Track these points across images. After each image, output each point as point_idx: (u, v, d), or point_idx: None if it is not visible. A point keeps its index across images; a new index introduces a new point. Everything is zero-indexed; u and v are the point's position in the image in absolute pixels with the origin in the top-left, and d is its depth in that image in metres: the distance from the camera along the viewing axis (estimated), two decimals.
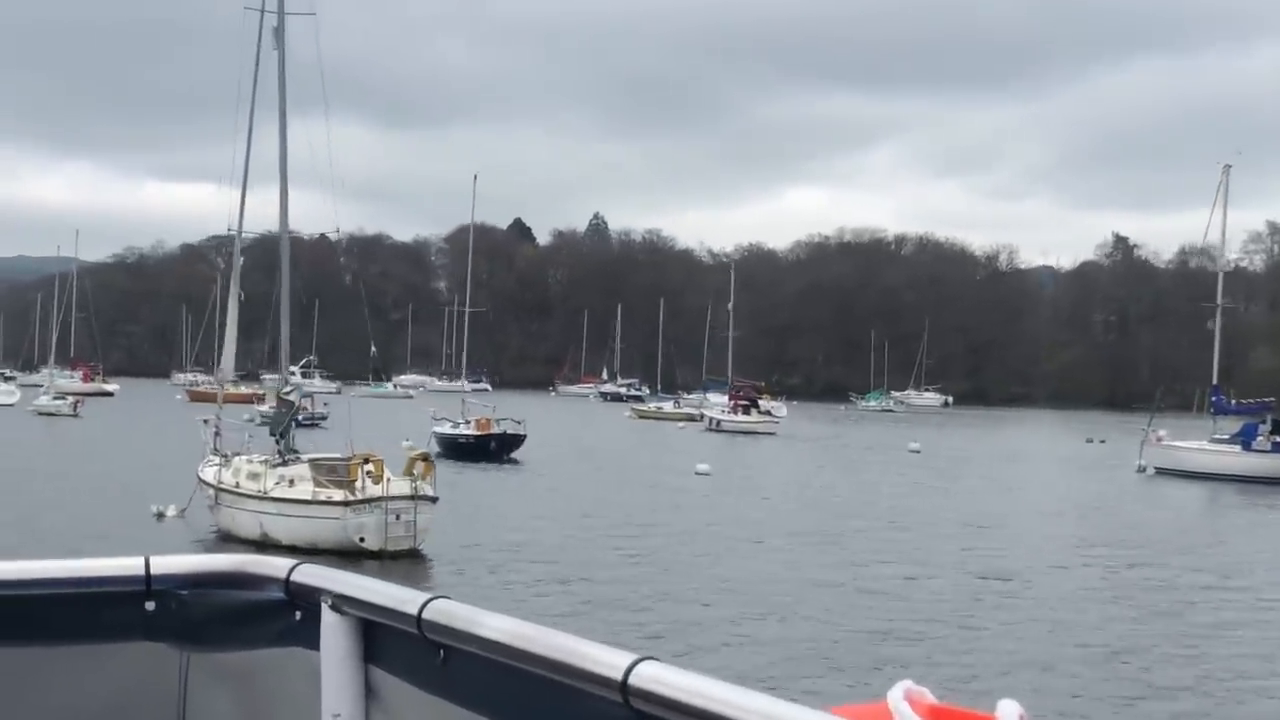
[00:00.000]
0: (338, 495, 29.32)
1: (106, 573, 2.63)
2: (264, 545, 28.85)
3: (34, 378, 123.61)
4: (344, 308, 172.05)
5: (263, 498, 30.23)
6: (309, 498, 29.60)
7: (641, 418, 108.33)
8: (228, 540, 30.47)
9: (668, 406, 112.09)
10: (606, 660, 1.85)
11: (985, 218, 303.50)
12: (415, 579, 25.79)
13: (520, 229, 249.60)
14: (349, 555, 28.12)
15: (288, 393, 33.21)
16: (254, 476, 31.02)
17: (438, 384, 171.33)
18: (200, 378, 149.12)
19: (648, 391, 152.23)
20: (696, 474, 52.16)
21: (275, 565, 2.61)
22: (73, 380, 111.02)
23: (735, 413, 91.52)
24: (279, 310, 34.97)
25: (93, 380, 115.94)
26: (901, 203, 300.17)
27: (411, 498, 29.37)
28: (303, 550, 27.26)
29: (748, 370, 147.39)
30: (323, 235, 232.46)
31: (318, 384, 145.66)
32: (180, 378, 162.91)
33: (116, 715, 2.63)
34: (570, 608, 23.62)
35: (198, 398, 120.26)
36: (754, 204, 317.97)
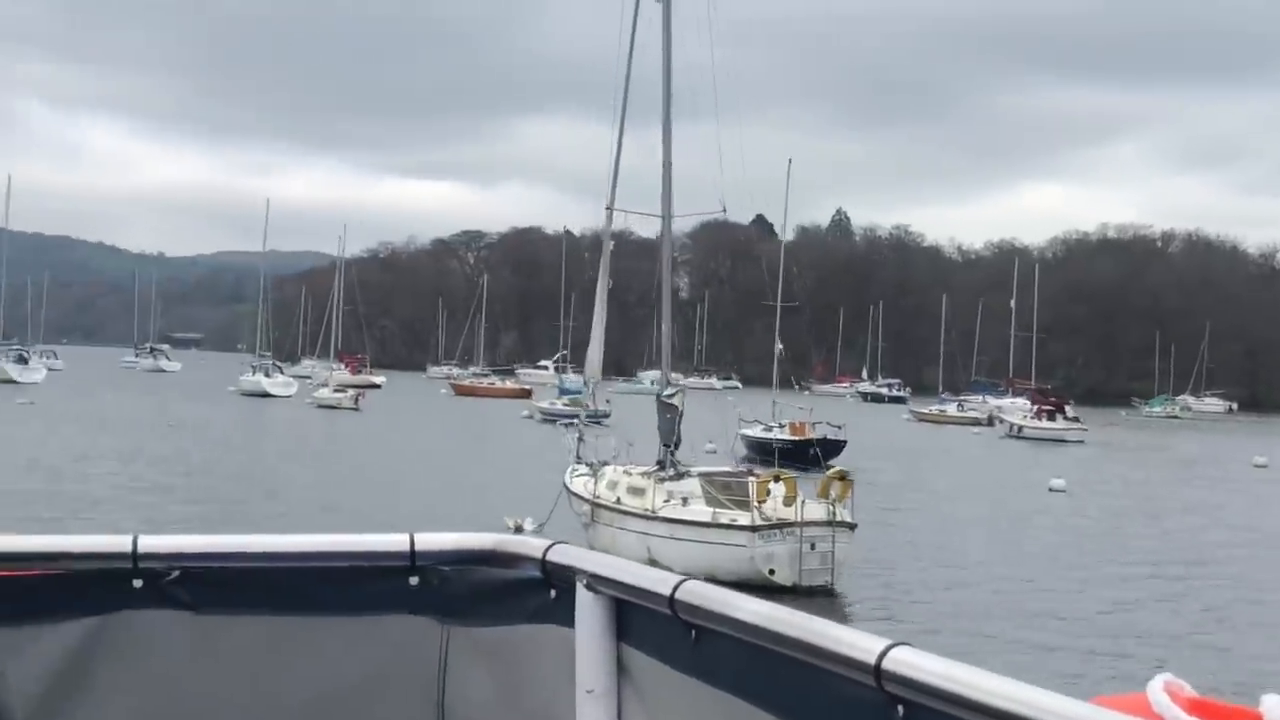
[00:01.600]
0: (744, 519, 25.09)
1: (374, 548, 2.69)
2: None
3: (295, 370, 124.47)
4: (590, 304, 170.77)
5: (651, 517, 26.19)
6: (708, 519, 25.42)
7: (921, 420, 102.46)
8: None
9: (951, 409, 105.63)
10: (860, 644, 1.85)
11: (1233, 213, 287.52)
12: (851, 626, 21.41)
13: (762, 225, 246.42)
14: (755, 589, 23.93)
15: (670, 396, 28.97)
16: (636, 492, 27.02)
17: (685, 381, 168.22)
18: (456, 370, 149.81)
19: (909, 392, 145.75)
20: (1051, 490, 46.82)
21: (532, 545, 2.64)
22: (340, 372, 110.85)
23: (1039, 418, 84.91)
24: (658, 305, 30.91)
25: (359, 372, 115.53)
26: (1144, 198, 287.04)
27: (829, 524, 24.98)
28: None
29: (998, 372, 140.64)
30: (566, 230, 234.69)
31: (571, 379, 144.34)
32: (435, 371, 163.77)
33: (381, 684, 2.69)
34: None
35: (463, 391, 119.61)
36: (989, 199, 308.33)
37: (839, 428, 55.77)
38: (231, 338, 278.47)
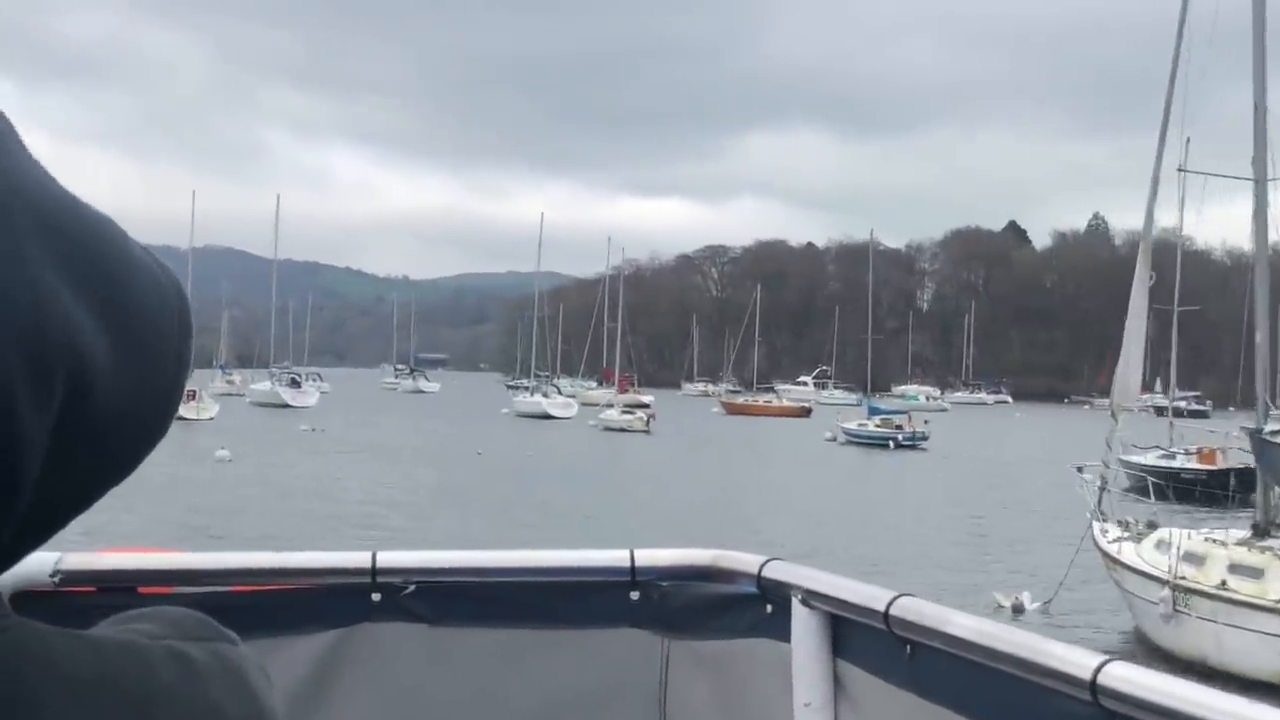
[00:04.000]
0: None
1: (597, 563, 2.77)
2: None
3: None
4: (848, 316, 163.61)
5: None
6: None
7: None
8: (1198, 669, 18.78)
9: None
10: (1075, 659, 1.87)
11: None
12: None
13: (1015, 231, 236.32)
14: None
15: (1275, 432, 20.95)
16: (1249, 572, 19.26)
17: (956, 396, 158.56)
18: (711, 388, 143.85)
19: (1210, 406, 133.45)
20: None
21: (747, 561, 2.69)
22: (608, 391, 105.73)
23: None
24: (1251, 317, 22.85)
25: (626, 391, 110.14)
26: None
27: None
28: None
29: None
30: (809, 244, 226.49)
31: (838, 395, 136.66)
32: (689, 387, 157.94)
33: (605, 695, 2.75)
34: None
35: (735, 410, 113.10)
36: (1247, 200, 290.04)
37: None
38: (474, 357, 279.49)
